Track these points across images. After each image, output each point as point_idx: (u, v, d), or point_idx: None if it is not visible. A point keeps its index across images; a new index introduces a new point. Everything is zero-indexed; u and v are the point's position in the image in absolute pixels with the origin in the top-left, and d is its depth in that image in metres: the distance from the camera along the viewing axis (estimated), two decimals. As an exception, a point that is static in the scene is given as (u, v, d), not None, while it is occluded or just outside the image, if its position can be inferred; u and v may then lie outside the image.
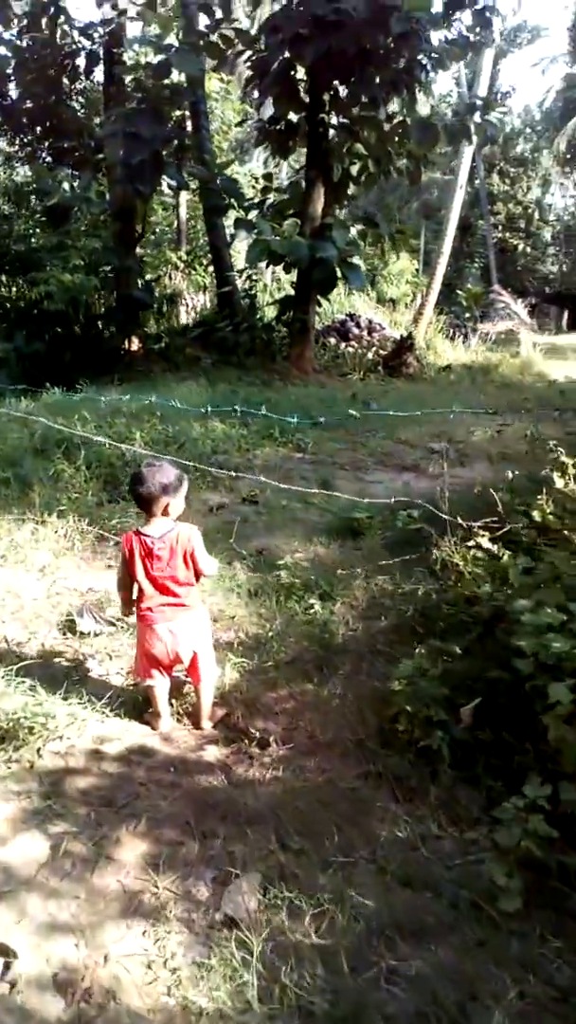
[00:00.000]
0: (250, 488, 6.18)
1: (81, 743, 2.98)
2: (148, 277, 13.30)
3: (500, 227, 41.78)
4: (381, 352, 15.00)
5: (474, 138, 12.43)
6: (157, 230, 18.79)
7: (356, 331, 16.09)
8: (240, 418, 8.11)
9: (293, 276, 14.50)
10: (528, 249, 42.79)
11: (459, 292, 30.37)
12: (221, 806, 2.62)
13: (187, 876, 2.34)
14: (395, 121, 12.10)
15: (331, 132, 12.08)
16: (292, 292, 13.47)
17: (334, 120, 11.99)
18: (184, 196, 17.62)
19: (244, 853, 2.41)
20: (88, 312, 12.27)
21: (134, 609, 2.99)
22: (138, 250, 13.24)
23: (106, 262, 11.50)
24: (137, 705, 3.20)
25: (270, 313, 14.00)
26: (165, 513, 2.87)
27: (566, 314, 42.91)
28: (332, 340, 15.60)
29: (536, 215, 43.12)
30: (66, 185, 12.15)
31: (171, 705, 3.15)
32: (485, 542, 3.63)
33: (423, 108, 14.74)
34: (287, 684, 3.34)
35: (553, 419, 9.55)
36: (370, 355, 14.69)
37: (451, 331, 18.84)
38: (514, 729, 2.71)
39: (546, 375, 14.99)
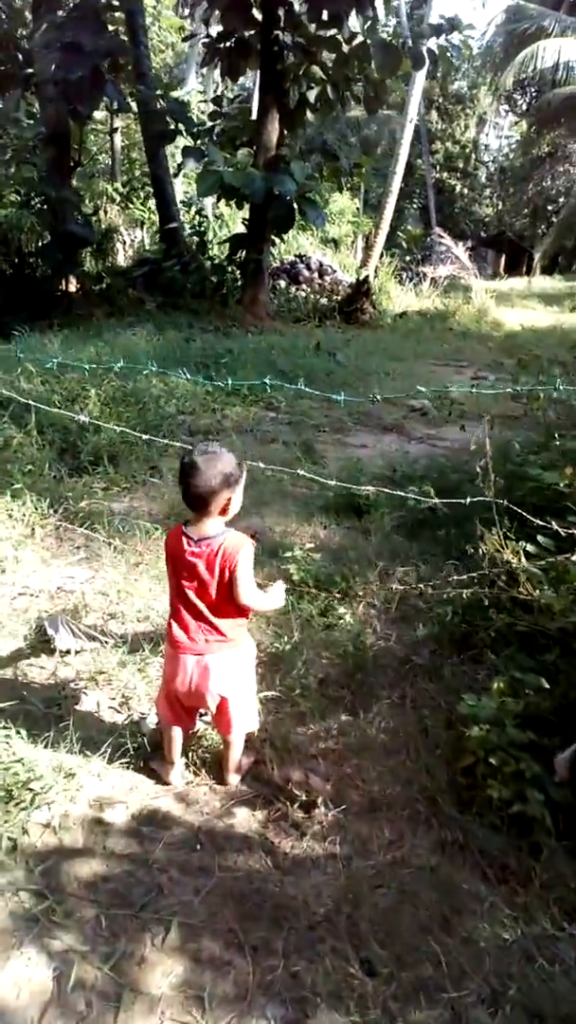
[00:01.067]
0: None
1: (76, 809, 2.35)
2: (86, 211, 12.01)
3: (438, 167, 40.81)
4: (335, 297, 14.24)
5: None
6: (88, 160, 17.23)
7: (307, 273, 15.23)
8: (202, 371, 7.33)
9: (242, 212, 13.50)
10: (465, 190, 42.03)
11: (400, 234, 29.56)
12: (270, 902, 2.04)
13: (245, 1015, 1.77)
14: (355, 43, 11.11)
15: (286, 53, 11.01)
16: (243, 230, 12.50)
17: (289, 40, 10.91)
18: (117, 122, 16.13)
19: (314, 977, 1.85)
20: (19, 250, 11.00)
21: None
22: (73, 181, 11.94)
23: (40, 193, 10.22)
24: (140, 748, 2.57)
25: (217, 252, 12.99)
26: (223, 512, 2.22)
27: (503, 258, 42.64)
28: (282, 283, 14.72)
29: (473, 155, 42.27)
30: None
31: (185, 755, 2.53)
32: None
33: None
34: (321, 717, 2.75)
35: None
36: (324, 300, 13.92)
37: (401, 275, 18.17)
38: (623, 783, 2.22)
39: (501, 323, 14.58)
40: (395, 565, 3.73)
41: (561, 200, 36.88)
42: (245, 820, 2.33)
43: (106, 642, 3.14)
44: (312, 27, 10.87)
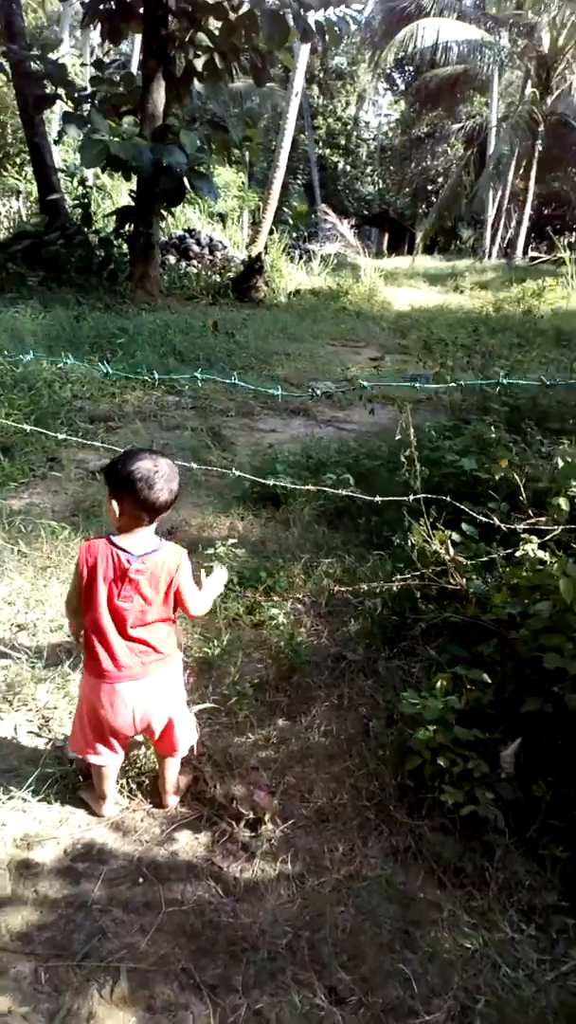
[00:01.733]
0: (129, 443, 5.22)
1: (0, 851, 2.13)
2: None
3: (320, 143, 40.85)
4: (226, 274, 13.97)
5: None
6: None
7: (197, 249, 14.86)
8: (97, 352, 6.97)
9: (127, 183, 12.96)
10: (348, 168, 42.32)
11: (286, 210, 29.41)
12: (224, 935, 1.92)
13: (209, 1065, 1.66)
14: (241, 11, 10.79)
15: (171, 18, 10.54)
16: (129, 201, 11.99)
17: (174, 4, 10.44)
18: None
19: (279, 1012, 1.75)
20: None
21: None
22: None
23: None
24: (67, 776, 2.37)
25: (101, 225, 12.39)
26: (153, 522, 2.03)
27: (387, 236, 43.40)
28: (171, 258, 14.29)
29: (354, 133, 42.57)
30: None
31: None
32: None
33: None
34: (258, 725, 2.64)
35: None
36: (216, 277, 13.62)
37: (290, 252, 18.05)
38: (567, 775, 2.24)
39: (391, 303, 14.78)
40: (319, 557, 3.65)
41: (440, 180, 37.81)
42: (189, 845, 2.19)
43: (18, 657, 2.89)
44: (197, -9, 10.46)
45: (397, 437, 3.11)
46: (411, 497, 2.75)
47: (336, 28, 11.52)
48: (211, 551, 3.48)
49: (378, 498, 2.68)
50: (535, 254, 27.73)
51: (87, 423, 5.48)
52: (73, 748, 2.21)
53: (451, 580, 2.95)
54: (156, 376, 2.38)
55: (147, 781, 2.38)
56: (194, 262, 14.32)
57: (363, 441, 5.45)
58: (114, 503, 1.98)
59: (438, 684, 2.39)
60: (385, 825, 2.23)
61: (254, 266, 13.13)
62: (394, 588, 3.02)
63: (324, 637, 3.10)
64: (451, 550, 3.02)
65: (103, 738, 2.13)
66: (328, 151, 41.14)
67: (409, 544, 3.06)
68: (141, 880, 2.07)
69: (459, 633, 2.92)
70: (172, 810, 2.30)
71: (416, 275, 21.45)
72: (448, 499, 3.08)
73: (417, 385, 2.82)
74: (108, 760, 2.17)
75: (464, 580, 2.96)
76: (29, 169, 13.89)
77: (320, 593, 3.38)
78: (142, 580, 1.98)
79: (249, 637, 3.13)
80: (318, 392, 2.82)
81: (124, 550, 1.98)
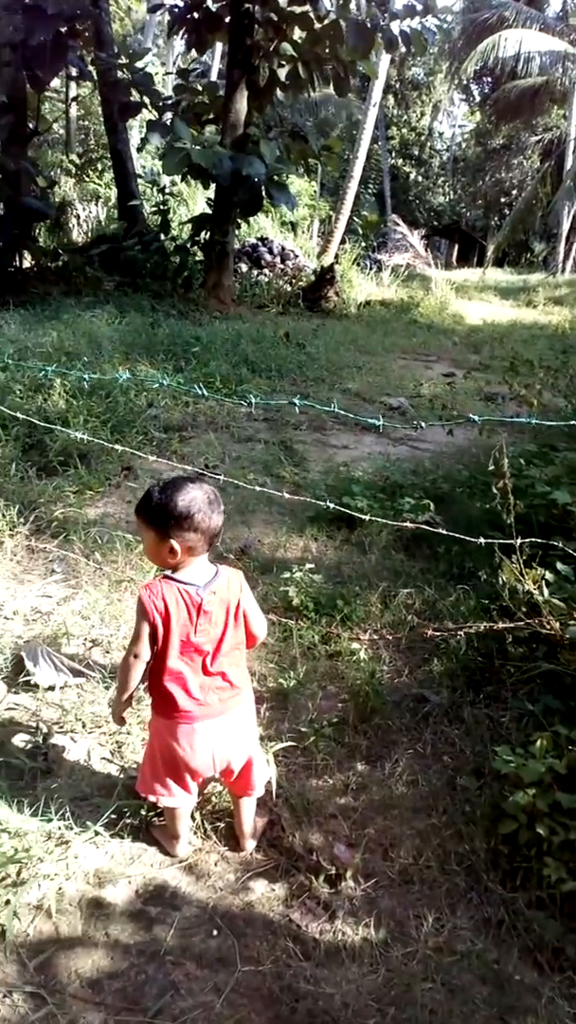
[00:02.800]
0: (202, 454, 5.18)
1: (72, 887, 2.06)
2: (42, 183, 11.33)
3: (393, 153, 40.67)
4: (297, 283, 13.92)
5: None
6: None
7: (269, 258, 14.85)
8: (171, 360, 6.97)
9: (203, 190, 13.05)
10: (420, 178, 41.99)
11: (356, 220, 29.31)
12: (304, 1004, 1.80)
13: None
14: (326, 21, 10.74)
15: (256, 27, 10.56)
16: (205, 209, 12.06)
17: (260, 14, 10.47)
18: (74, 90, 15.34)
19: None
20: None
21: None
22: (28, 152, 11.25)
23: (-2, 163, 9.54)
24: (140, 812, 2.28)
25: (177, 232, 12.49)
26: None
27: (456, 248, 42.84)
28: (243, 267, 14.31)
29: (428, 143, 42.24)
30: None
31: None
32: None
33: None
34: (336, 768, 2.51)
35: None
36: (287, 286, 13.59)
37: (361, 262, 17.91)
38: None
39: (463, 316, 14.50)
40: (397, 586, 3.50)
41: (515, 193, 37.17)
42: (265, 896, 2.08)
43: (92, 676, 2.83)
44: (283, 2, 10.45)
45: (489, 466, 2.94)
46: (517, 541, 2.58)
47: (422, 37, 11.37)
48: (287, 575, 3.39)
49: (480, 540, 2.52)
50: (611, 270, 26.99)
51: (161, 432, 5.46)
52: (144, 791, 2.11)
53: (545, 623, 2.78)
54: (253, 401, 2.29)
55: (221, 824, 2.28)
56: (266, 271, 14.31)
57: (439, 462, 5.29)
58: (171, 542, 1.85)
59: (538, 743, 2.22)
60: (475, 893, 2.08)
61: (325, 276, 13.05)
62: (481, 628, 2.85)
63: (404, 675, 2.96)
64: (545, 591, 2.85)
65: (179, 778, 2.04)
66: (401, 161, 40.93)
67: (500, 582, 2.90)
68: (215, 932, 1.97)
69: (552, 681, 2.74)
70: (247, 855, 2.20)
71: (487, 288, 21.07)
72: (551, 540, 2.92)
73: (533, 421, 2.64)
74: (181, 801, 2.08)
75: (558, 624, 2.78)
76: (109, 175, 14.11)
77: (399, 625, 3.23)
78: (215, 611, 1.89)
79: (324, 669, 3.01)
80: (422, 425, 2.67)
81: (189, 583, 1.88)
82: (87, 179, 14.95)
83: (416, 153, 41.74)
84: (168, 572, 1.92)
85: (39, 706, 2.69)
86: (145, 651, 1.89)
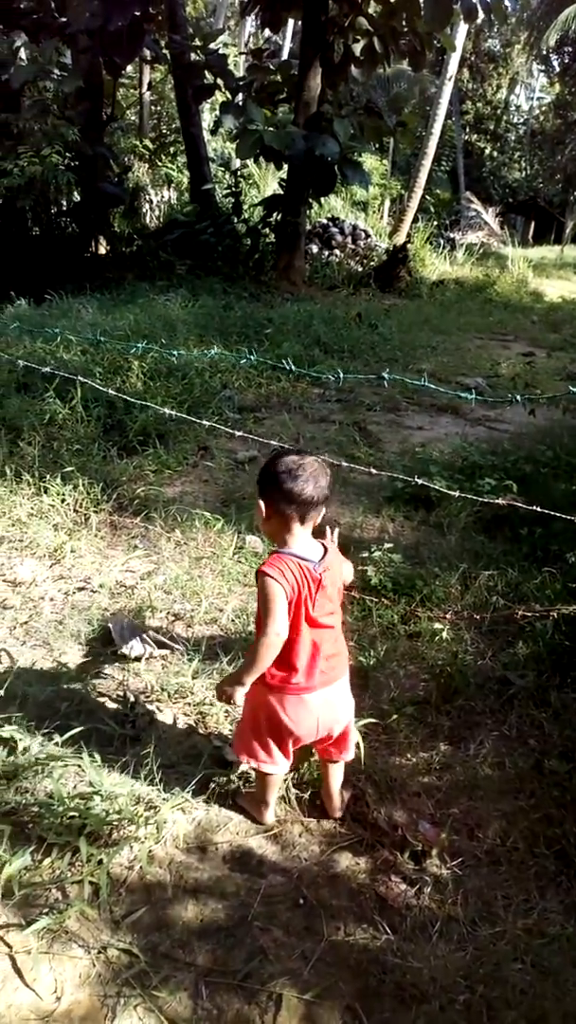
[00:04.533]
0: (276, 434, 5.18)
1: (162, 850, 2.11)
2: (117, 169, 11.47)
3: (468, 128, 39.56)
4: (369, 263, 13.75)
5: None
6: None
7: (340, 238, 14.69)
8: (244, 342, 7.00)
9: (275, 171, 13.01)
10: (495, 154, 40.73)
11: (428, 197, 28.71)
12: (392, 977, 1.80)
13: None
14: (403, -7, 10.48)
15: (331, 3, 10.39)
16: (277, 190, 12.02)
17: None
18: (147, 74, 15.46)
19: (453, 1073, 1.62)
20: (48, 209, 10.54)
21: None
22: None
23: (73, 149, 9.68)
24: (222, 779, 2.32)
25: (248, 214, 12.48)
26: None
27: (532, 225, 41.46)
28: (314, 247, 14.20)
29: (504, 117, 40.93)
30: (23, 54, 9.92)
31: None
32: None
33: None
34: (419, 747, 2.50)
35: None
36: (358, 266, 13.44)
37: (434, 241, 17.56)
38: None
39: (542, 294, 14.07)
40: (478, 568, 3.44)
41: (595, 165, 35.70)
42: (350, 869, 2.09)
43: (176, 648, 2.89)
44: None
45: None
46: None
47: (503, 6, 11.00)
48: (365, 554, 3.37)
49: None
50: None
51: (235, 413, 5.50)
52: (242, 753, 2.14)
53: None
54: (341, 376, 2.26)
55: (305, 796, 2.30)
56: (336, 251, 14.17)
57: (519, 443, 5.16)
58: (262, 504, 1.91)
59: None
60: (565, 877, 2.04)
61: (398, 255, 12.83)
62: (570, 612, 2.78)
63: (487, 658, 2.91)
64: None
65: (282, 744, 2.05)
66: (475, 137, 39.78)
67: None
68: (302, 901, 1.99)
69: None
70: (332, 827, 2.21)
71: (566, 266, 20.35)
72: None
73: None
74: (280, 768, 2.10)
75: None
76: (182, 159, 14.20)
77: (480, 607, 3.18)
78: (330, 587, 1.91)
79: (404, 648, 2.99)
80: (518, 400, 2.59)
81: (307, 559, 1.89)
82: (160, 163, 15.08)
83: (491, 128, 40.49)
84: (278, 551, 1.93)
85: (126, 676, 2.76)
86: (284, 628, 1.85)
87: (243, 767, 2.29)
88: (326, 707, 1.99)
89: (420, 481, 2.90)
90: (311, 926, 1.93)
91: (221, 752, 2.40)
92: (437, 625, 2.93)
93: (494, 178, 40.63)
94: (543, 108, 42.27)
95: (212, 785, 2.29)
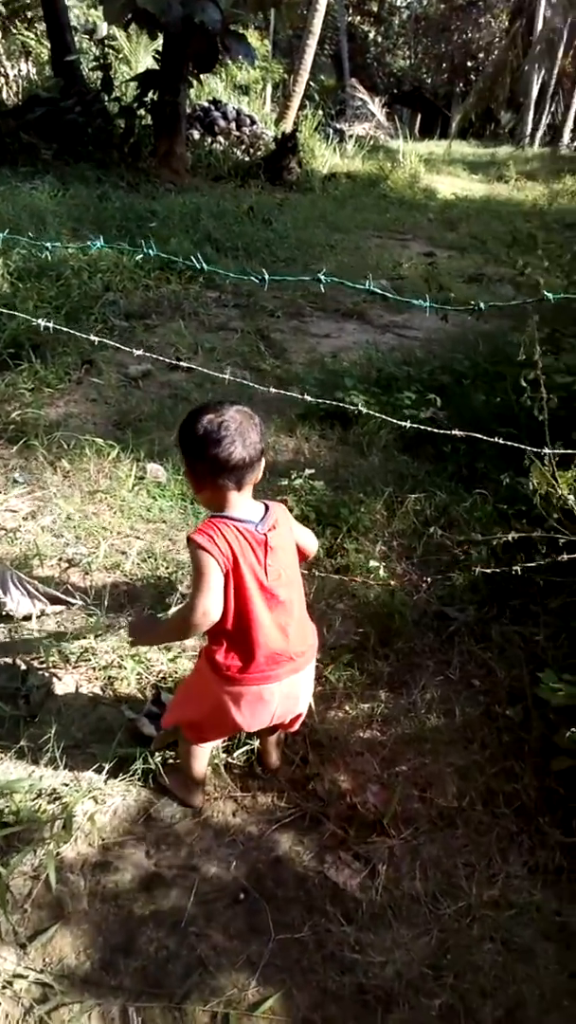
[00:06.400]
0: (172, 345, 4.67)
1: (71, 852, 1.78)
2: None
3: (350, 8, 37.32)
4: (255, 152, 12.80)
5: None
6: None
7: (223, 123, 13.54)
8: (126, 237, 6.27)
9: (148, 43, 11.71)
10: (379, 38, 38.82)
11: (311, 84, 27.20)
12: (351, 977, 1.58)
13: None
14: None
15: None
16: (153, 65, 10.79)
17: None
18: None
19: None
20: None
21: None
22: None
23: None
24: (142, 756, 2.00)
25: (121, 92, 11.18)
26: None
27: (419, 117, 40.30)
28: (195, 133, 13.03)
29: (387, -2, 38.86)
30: None
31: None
32: None
33: None
34: (359, 696, 2.26)
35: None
36: (244, 156, 12.48)
37: (322, 132, 16.58)
38: None
39: (435, 191, 13.64)
40: (403, 491, 3.18)
41: (481, 56, 34.81)
42: (293, 851, 1.84)
43: (73, 602, 2.49)
44: None
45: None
46: (555, 451, 2.25)
47: None
48: (284, 482, 3.03)
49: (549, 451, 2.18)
50: (580, 143, 25.66)
51: (122, 320, 4.89)
52: (172, 723, 1.83)
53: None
54: (267, 278, 1.83)
55: (232, 758, 2.01)
56: (220, 138, 13.07)
57: (432, 351, 4.88)
58: (200, 474, 1.56)
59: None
60: (527, 837, 1.88)
61: (287, 145, 11.96)
62: (511, 538, 2.56)
63: (423, 591, 2.68)
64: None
65: (223, 735, 1.78)
66: (359, 19, 37.61)
67: (530, 488, 2.60)
68: (242, 896, 1.73)
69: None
70: (271, 802, 1.94)
71: (455, 162, 19.84)
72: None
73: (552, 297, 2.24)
74: (212, 743, 1.81)
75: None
76: (41, 26, 12.47)
77: (410, 535, 2.94)
78: (279, 547, 1.56)
79: (332, 586, 2.72)
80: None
81: (246, 521, 1.53)
82: (15, 31, 13.20)
83: (375, 9, 38.36)
84: (214, 516, 1.56)
85: (14, 639, 2.35)
86: (215, 607, 1.50)
87: (159, 734, 1.98)
88: (287, 700, 1.67)
89: (350, 407, 2.55)
90: (255, 924, 1.68)
91: (137, 724, 2.06)
92: (372, 563, 2.65)
93: (379, 65, 38.83)
94: (428, -10, 40.37)
95: (129, 764, 1.96)
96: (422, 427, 2.49)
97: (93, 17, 15.18)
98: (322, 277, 1.87)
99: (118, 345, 2.61)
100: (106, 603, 2.47)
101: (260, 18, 23.13)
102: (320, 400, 2.57)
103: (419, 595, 2.66)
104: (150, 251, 2.00)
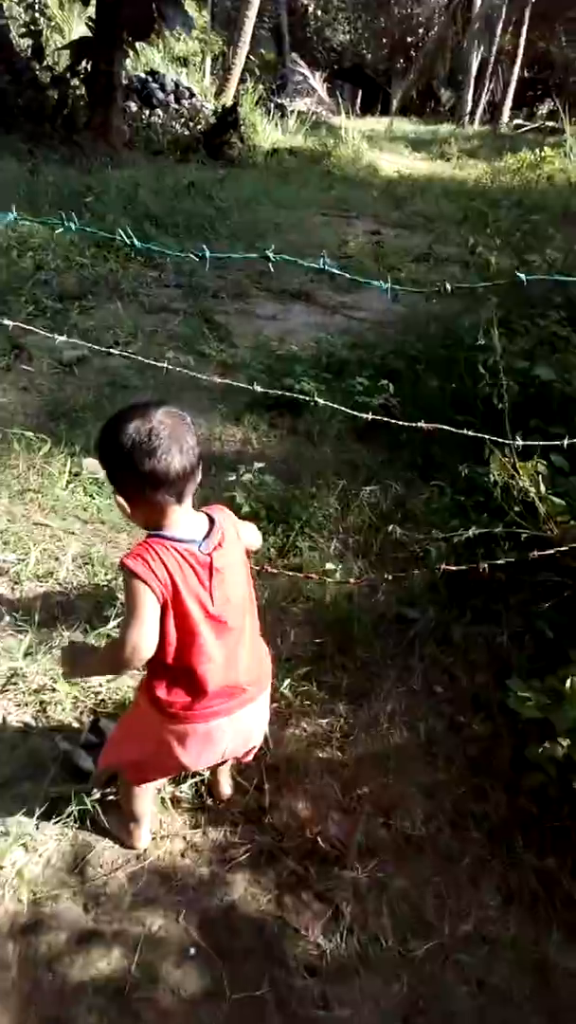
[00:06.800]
0: (110, 328, 4.40)
1: (0, 911, 1.58)
2: None
3: (289, -21, 36.59)
4: (195, 126, 12.38)
5: None
6: None
7: (161, 95, 13.05)
8: (59, 214, 5.89)
9: (80, 9, 11.18)
10: (319, 12, 38.19)
11: (251, 58, 26.61)
12: (318, 1035, 1.44)
13: None
14: None
15: None
16: (87, 33, 10.29)
17: None
18: None
19: None
20: None
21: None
22: None
23: None
24: (78, 794, 1.80)
25: (53, 60, 10.65)
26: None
27: (360, 94, 39.92)
28: (133, 106, 12.53)
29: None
30: None
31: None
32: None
33: None
34: (315, 713, 2.09)
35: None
36: (183, 129, 12.06)
37: (264, 106, 16.19)
38: None
39: (378, 168, 13.46)
40: (357, 483, 3.02)
41: (421, 32, 34.53)
42: (249, 894, 1.67)
43: (18, 559, 2.26)
44: None
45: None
46: (519, 442, 2.11)
47: None
48: (232, 477, 2.83)
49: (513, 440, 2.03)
50: (519, 121, 25.71)
51: (56, 302, 4.59)
52: (110, 764, 1.64)
53: (546, 525, 2.39)
54: (207, 254, 1.64)
55: (179, 790, 1.83)
56: (158, 111, 12.60)
57: (383, 334, 4.71)
58: (120, 499, 1.36)
59: (568, 682, 1.84)
60: (498, 861, 1.75)
61: (228, 119, 11.60)
62: (472, 533, 2.41)
63: (381, 592, 2.53)
64: (542, 486, 2.45)
65: (166, 775, 1.59)
66: (297, -11, 36.91)
67: (491, 480, 2.46)
68: (193, 951, 1.56)
69: (547, 592, 2.38)
70: (223, 838, 1.77)
71: (397, 139, 19.69)
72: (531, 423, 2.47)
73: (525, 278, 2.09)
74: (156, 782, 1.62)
75: (558, 525, 2.40)
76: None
77: (365, 531, 2.78)
78: (227, 567, 1.36)
79: (284, 587, 2.54)
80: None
81: (187, 541, 1.33)
82: None
83: (315, -20, 37.70)
84: (151, 534, 1.36)
85: None
86: (148, 642, 1.30)
87: (96, 771, 1.79)
88: (239, 735, 1.49)
89: (303, 397, 2.37)
90: (208, 985, 1.51)
91: (72, 758, 1.86)
92: (330, 565, 2.48)
93: (319, 39, 38.20)
94: (368, -38, 39.83)
95: (64, 804, 1.76)
96: (379, 418, 2.33)
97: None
98: (270, 254, 1.66)
99: (46, 334, 2.35)
100: (37, 618, 2.25)
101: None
102: (270, 391, 2.38)
103: (377, 597, 2.50)
104: (71, 225, 1.76)
